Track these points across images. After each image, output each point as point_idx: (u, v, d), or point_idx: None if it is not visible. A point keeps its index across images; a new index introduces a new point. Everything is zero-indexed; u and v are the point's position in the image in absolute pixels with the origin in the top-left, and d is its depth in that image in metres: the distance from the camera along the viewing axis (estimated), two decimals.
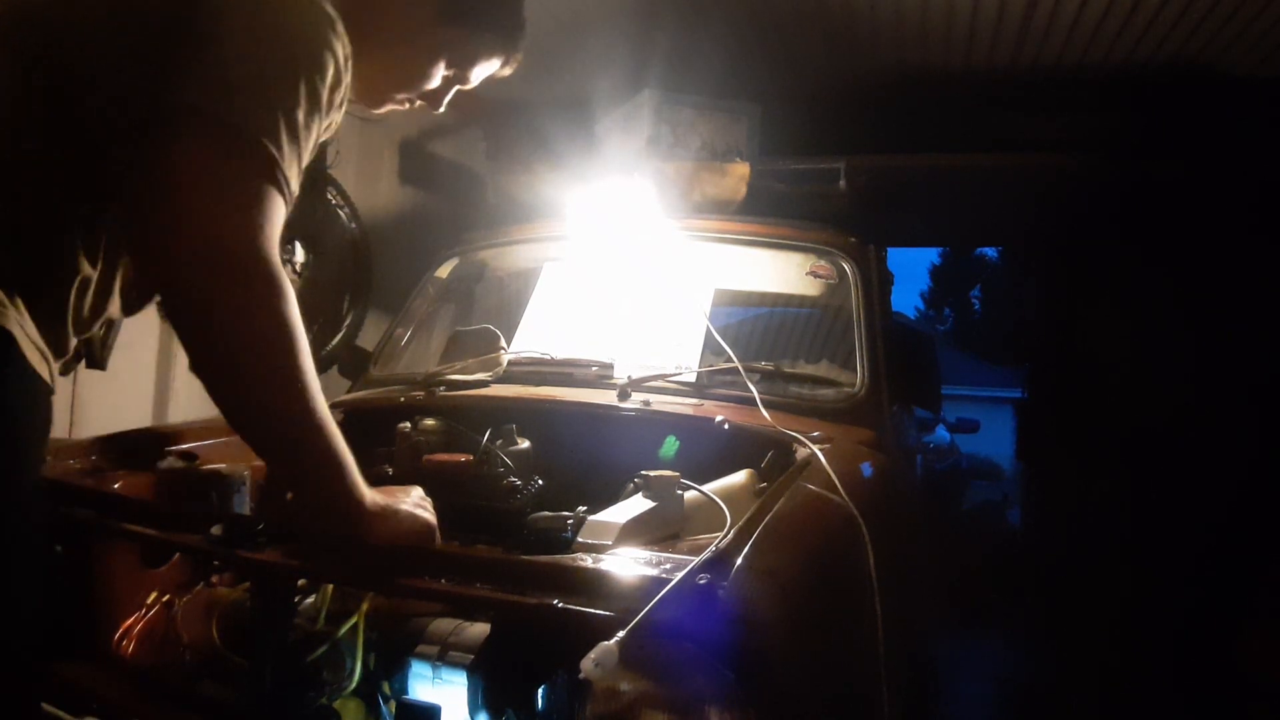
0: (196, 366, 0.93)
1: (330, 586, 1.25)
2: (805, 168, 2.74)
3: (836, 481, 1.36)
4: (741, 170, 2.71)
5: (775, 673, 0.94)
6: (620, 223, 2.39)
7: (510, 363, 2.08)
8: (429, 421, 1.70)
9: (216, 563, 1.33)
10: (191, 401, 2.74)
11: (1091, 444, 4.01)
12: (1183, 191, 3.57)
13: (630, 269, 2.30)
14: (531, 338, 2.22)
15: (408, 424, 1.71)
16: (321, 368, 2.43)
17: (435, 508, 1.16)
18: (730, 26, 3.27)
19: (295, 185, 1.00)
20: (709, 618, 0.91)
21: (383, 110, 1.30)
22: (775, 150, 3.04)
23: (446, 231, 2.92)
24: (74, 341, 1.09)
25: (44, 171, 1.00)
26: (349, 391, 2.32)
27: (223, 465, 1.55)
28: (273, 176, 0.96)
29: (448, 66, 1.28)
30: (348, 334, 2.87)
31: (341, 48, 1.05)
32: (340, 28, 1.05)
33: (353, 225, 3.18)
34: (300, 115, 0.99)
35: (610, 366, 2.02)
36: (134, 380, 2.73)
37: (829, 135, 3.37)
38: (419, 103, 1.31)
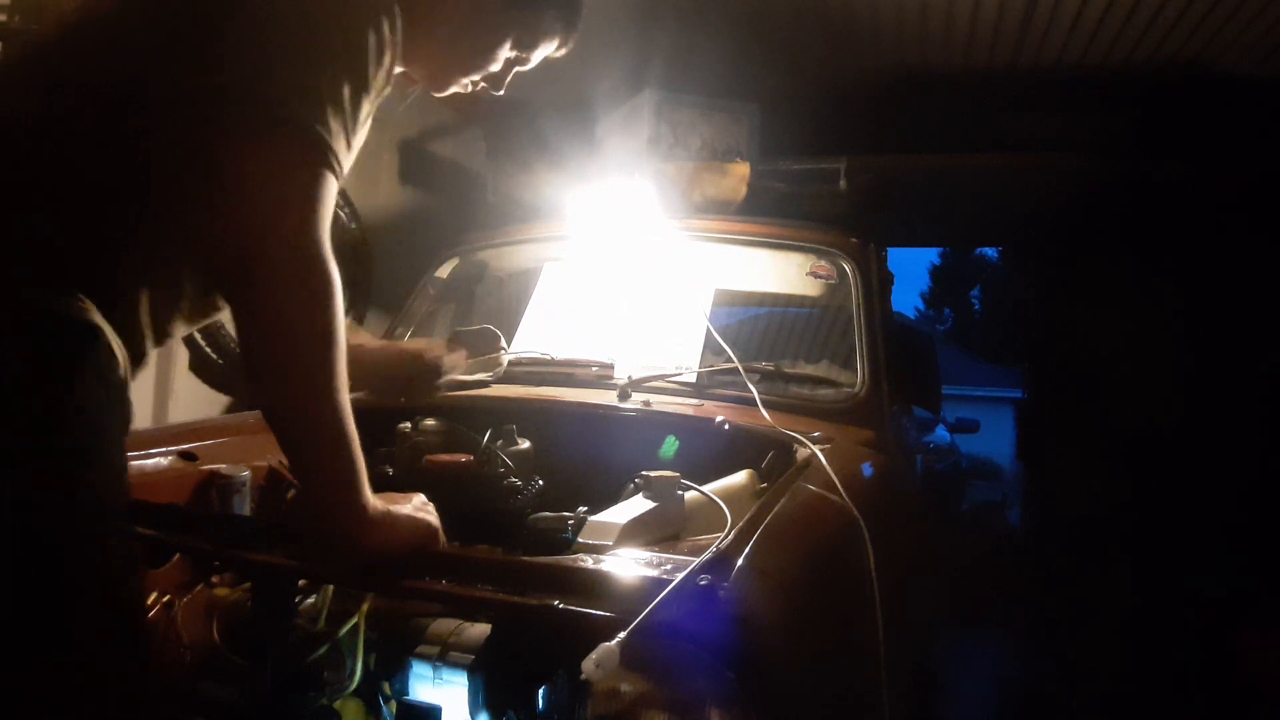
0: (245, 351, 0.95)
1: (330, 587, 1.25)
2: (805, 168, 2.74)
3: (837, 482, 1.36)
4: (742, 170, 2.71)
5: (775, 673, 0.94)
6: (620, 223, 2.39)
7: (510, 363, 2.08)
8: (429, 421, 1.70)
9: (216, 563, 1.33)
10: (191, 401, 2.74)
11: (1091, 444, 4.01)
12: (1182, 191, 3.57)
13: (630, 269, 2.30)
14: (532, 338, 2.22)
15: (408, 424, 1.71)
16: None
17: (437, 510, 1.16)
18: (730, 26, 3.27)
19: (347, 167, 1.01)
20: (709, 618, 0.91)
21: (446, 93, 1.31)
22: (775, 150, 3.04)
23: (446, 231, 2.92)
24: (150, 344, 1.08)
25: (109, 171, 0.99)
26: (349, 391, 2.32)
27: (223, 465, 1.55)
28: (328, 165, 0.96)
29: (513, 47, 1.30)
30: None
31: (388, 18, 1.04)
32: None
33: (353, 225, 3.18)
34: (347, 96, 0.98)
35: (610, 366, 2.02)
36: (134, 380, 2.73)
37: (829, 135, 3.37)
38: (481, 85, 1.33)
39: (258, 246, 0.91)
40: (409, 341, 1.53)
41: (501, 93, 1.36)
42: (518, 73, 1.37)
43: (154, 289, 1.06)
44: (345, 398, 0.97)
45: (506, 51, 1.29)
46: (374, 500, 1.02)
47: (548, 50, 1.36)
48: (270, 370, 0.95)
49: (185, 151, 0.96)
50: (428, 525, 1.09)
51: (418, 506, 1.10)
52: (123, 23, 1.04)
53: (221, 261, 0.94)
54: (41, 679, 0.88)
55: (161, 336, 1.10)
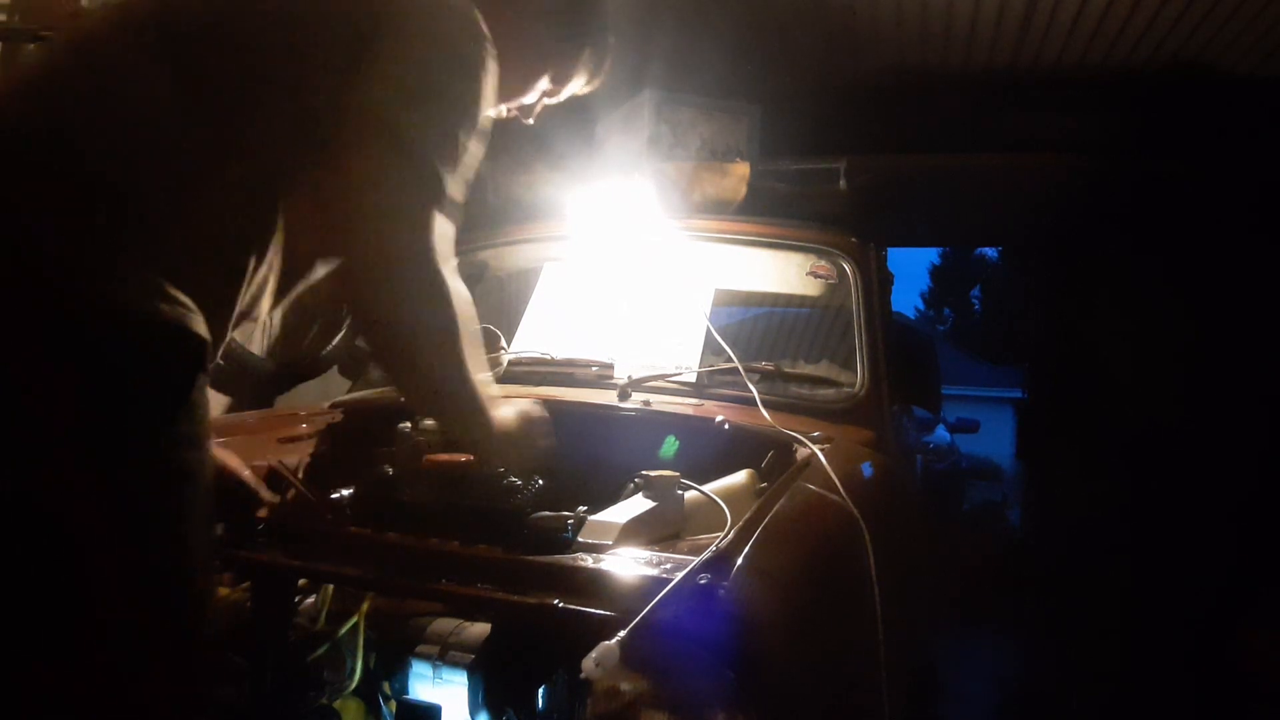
0: (375, 348, 1.14)
1: (330, 586, 1.25)
2: (805, 168, 2.73)
3: (836, 481, 1.36)
4: (741, 170, 2.71)
5: (775, 673, 0.94)
6: (620, 223, 2.39)
7: (510, 363, 2.08)
8: (429, 421, 1.70)
9: (217, 562, 1.33)
10: None
11: (1091, 444, 4.01)
12: (1183, 191, 3.56)
13: (630, 269, 2.30)
14: (531, 338, 2.22)
15: (408, 424, 1.71)
16: (321, 368, 2.43)
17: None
18: (730, 26, 3.27)
19: (458, 199, 1.11)
20: (709, 618, 0.91)
21: None
22: (775, 150, 3.03)
23: None
24: (222, 342, 1.10)
25: (225, 176, 1.01)
26: (349, 391, 2.32)
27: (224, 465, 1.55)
28: (440, 197, 1.07)
29: (550, 80, 1.38)
30: (348, 334, 2.87)
31: (493, 69, 1.14)
32: (491, 48, 1.14)
33: None
34: (464, 138, 1.10)
35: (610, 366, 2.02)
36: None
37: (829, 135, 3.36)
38: (513, 112, 1.40)
39: (374, 261, 1.04)
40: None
41: (531, 121, 1.43)
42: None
43: (240, 287, 1.07)
44: (465, 370, 1.12)
45: (544, 84, 1.38)
46: (502, 427, 1.21)
47: (577, 86, 1.44)
48: (390, 359, 1.13)
49: (318, 154, 1.04)
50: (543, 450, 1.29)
51: (539, 435, 1.30)
52: (254, 19, 1.07)
53: (342, 269, 1.06)
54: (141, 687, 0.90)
55: (230, 330, 1.13)
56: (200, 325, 0.95)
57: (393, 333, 1.08)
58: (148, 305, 0.90)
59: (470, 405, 1.15)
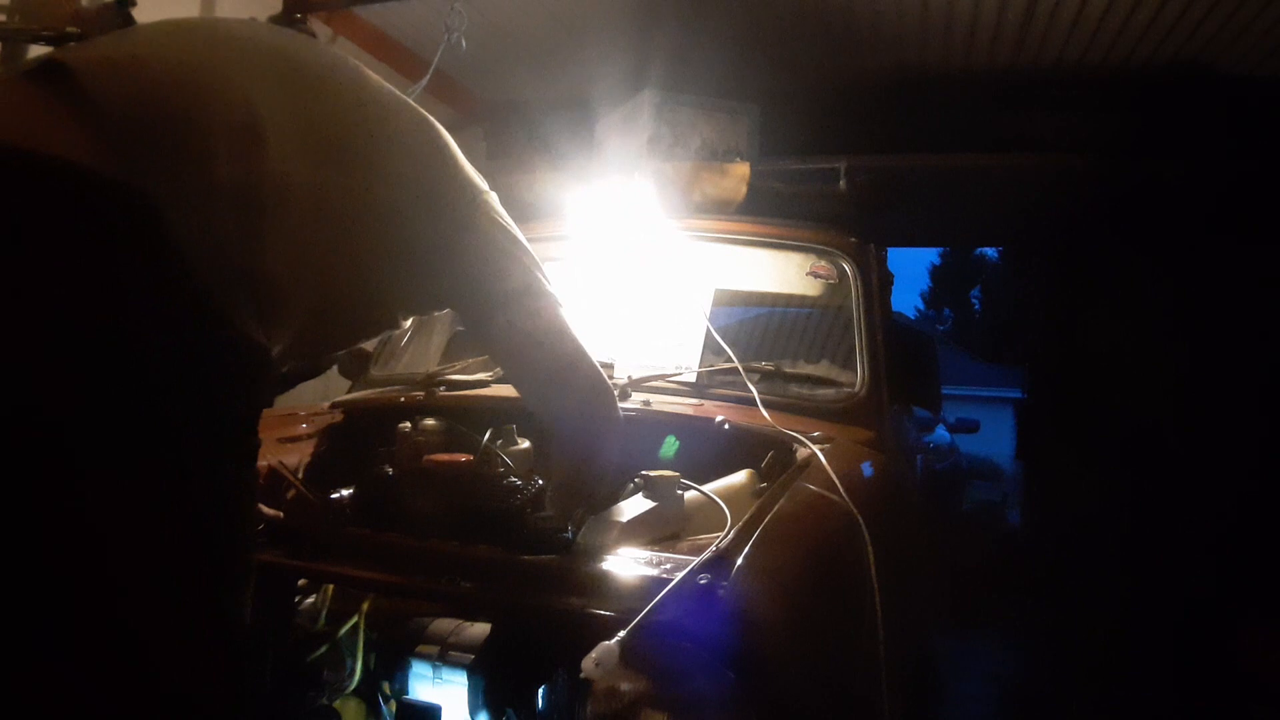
0: (564, 421, 1.39)
1: (330, 586, 1.25)
2: (805, 168, 2.73)
3: (836, 481, 1.36)
4: (741, 170, 2.71)
5: (775, 673, 0.94)
6: (620, 223, 2.39)
7: None
8: (429, 421, 1.70)
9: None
10: None
11: (1091, 444, 4.01)
12: (1182, 191, 3.57)
13: (630, 269, 2.30)
14: None
15: (408, 424, 1.71)
16: (321, 368, 2.43)
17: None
18: (730, 26, 3.27)
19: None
20: (709, 618, 0.91)
21: None
22: (775, 150, 3.03)
23: None
24: None
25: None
26: (349, 391, 2.32)
27: None
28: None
29: None
30: None
31: None
32: None
33: None
34: None
35: (610, 366, 2.02)
36: None
37: (829, 135, 3.36)
38: None
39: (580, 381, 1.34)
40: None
41: None
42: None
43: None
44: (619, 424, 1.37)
45: None
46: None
47: None
48: (584, 429, 1.36)
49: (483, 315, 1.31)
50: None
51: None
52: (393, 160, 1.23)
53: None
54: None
55: None
56: (263, 336, 0.98)
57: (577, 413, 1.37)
58: (236, 318, 0.93)
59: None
